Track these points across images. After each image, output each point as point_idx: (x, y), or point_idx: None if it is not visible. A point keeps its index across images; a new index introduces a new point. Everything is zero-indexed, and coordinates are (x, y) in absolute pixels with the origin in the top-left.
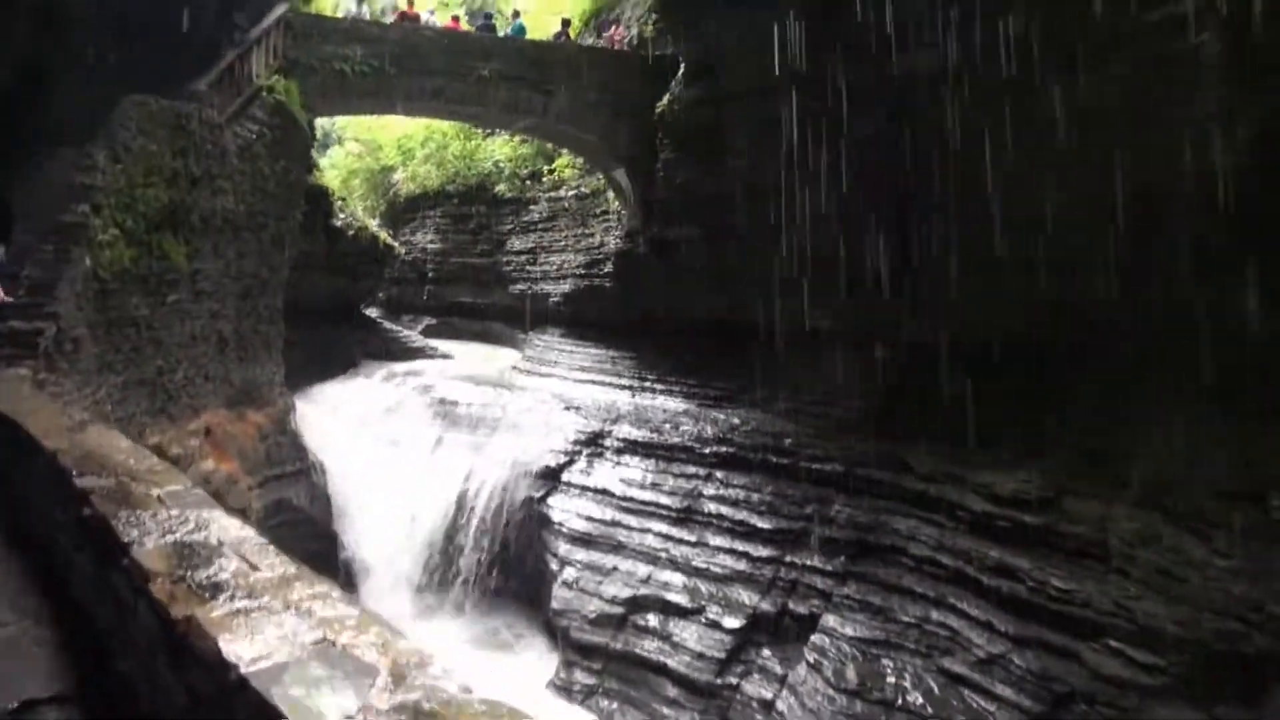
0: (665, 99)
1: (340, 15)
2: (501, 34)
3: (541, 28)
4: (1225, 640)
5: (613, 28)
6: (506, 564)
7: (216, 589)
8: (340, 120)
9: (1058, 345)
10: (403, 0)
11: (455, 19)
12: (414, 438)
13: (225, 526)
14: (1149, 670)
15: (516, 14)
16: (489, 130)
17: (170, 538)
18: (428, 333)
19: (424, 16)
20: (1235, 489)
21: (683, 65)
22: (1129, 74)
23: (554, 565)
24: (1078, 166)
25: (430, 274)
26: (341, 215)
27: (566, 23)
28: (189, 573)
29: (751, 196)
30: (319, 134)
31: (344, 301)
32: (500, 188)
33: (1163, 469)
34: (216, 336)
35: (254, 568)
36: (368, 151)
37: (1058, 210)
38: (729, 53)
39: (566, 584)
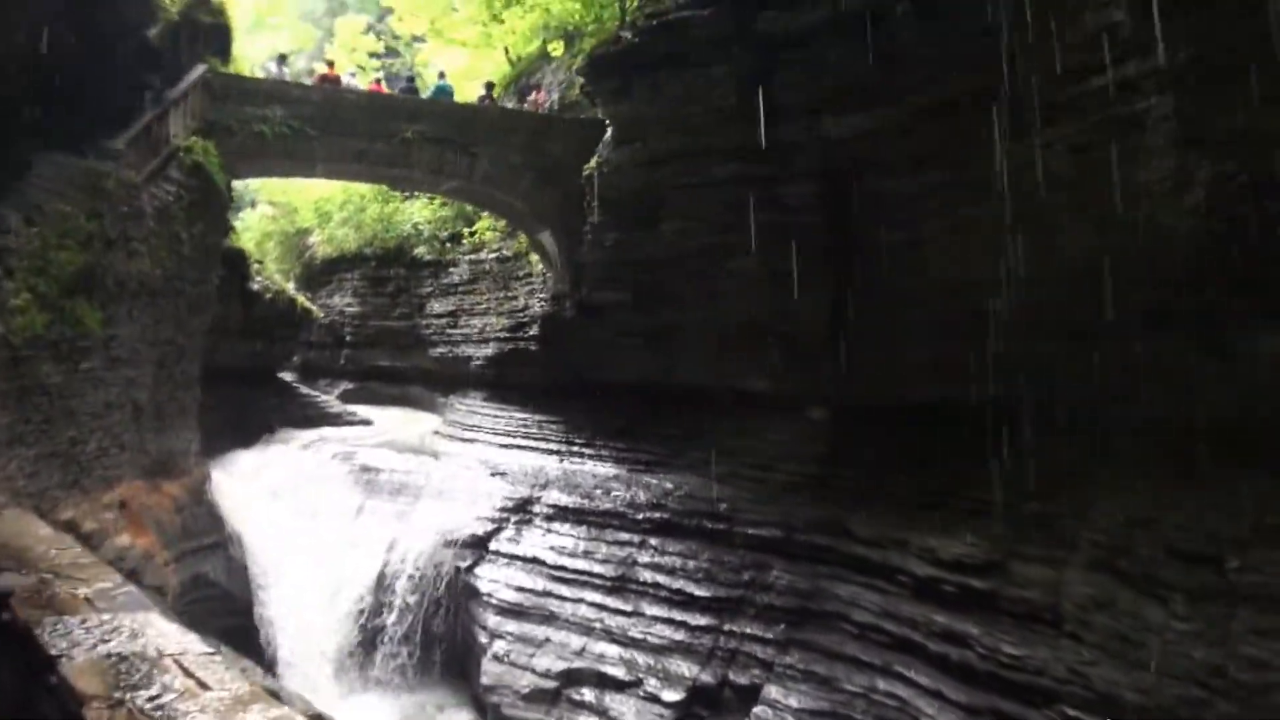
0: (594, 161)
1: (261, 76)
2: (425, 96)
3: (460, 94)
4: (1187, 707)
5: (534, 92)
6: (433, 637)
7: (163, 716)
8: (254, 182)
9: (1001, 407)
10: (322, 65)
11: (378, 82)
12: (334, 507)
13: (163, 632)
14: None
15: (441, 74)
16: (408, 193)
17: (104, 648)
18: (346, 397)
19: (345, 79)
20: (1190, 550)
21: (611, 128)
22: (1076, 137)
23: (483, 638)
24: (1023, 228)
25: (348, 338)
26: (258, 279)
27: (490, 85)
28: (129, 694)
29: (684, 259)
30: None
31: (260, 366)
32: (420, 250)
33: (1114, 531)
34: (131, 405)
35: (203, 685)
36: (282, 214)
37: (999, 274)
38: (660, 115)
39: (496, 657)
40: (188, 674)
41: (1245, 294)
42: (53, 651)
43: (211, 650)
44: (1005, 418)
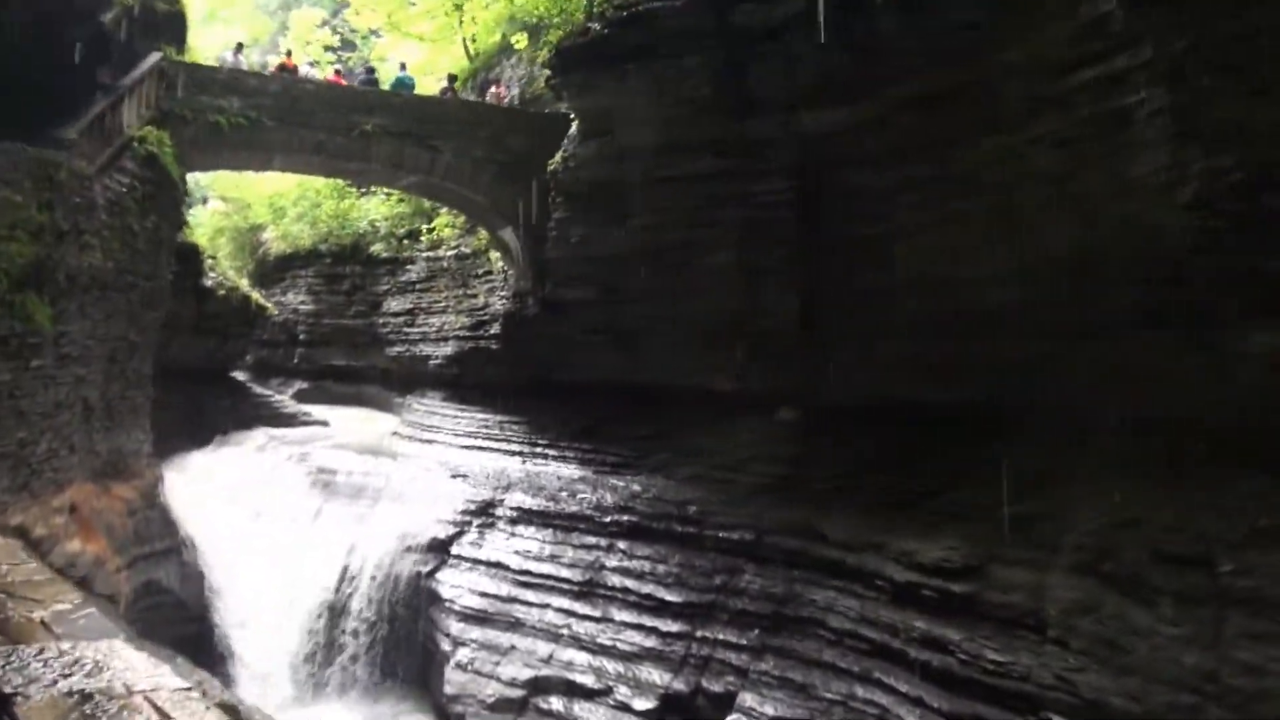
0: (559, 156)
1: (217, 65)
2: (385, 88)
3: (418, 89)
4: (1178, 713)
5: (494, 86)
6: (394, 644)
7: None
8: (205, 177)
9: (980, 407)
10: (276, 59)
11: (337, 74)
12: (291, 509)
13: (132, 664)
14: None
15: (403, 66)
16: (364, 188)
17: (65, 684)
18: (300, 397)
19: (303, 69)
20: (1179, 553)
21: (577, 122)
22: (1063, 131)
23: (445, 645)
24: (1003, 226)
25: (302, 336)
26: (212, 274)
27: (453, 78)
28: None
29: (652, 255)
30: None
31: (214, 365)
32: (376, 247)
33: (1098, 534)
34: (82, 404)
35: None
36: (235, 210)
37: (981, 270)
38: (629, 109)
39: (460, 666)
40: (162, 715)
41: (1237, 291)
42: (6, 689)
43: (187, 686)
44: (984, 417)
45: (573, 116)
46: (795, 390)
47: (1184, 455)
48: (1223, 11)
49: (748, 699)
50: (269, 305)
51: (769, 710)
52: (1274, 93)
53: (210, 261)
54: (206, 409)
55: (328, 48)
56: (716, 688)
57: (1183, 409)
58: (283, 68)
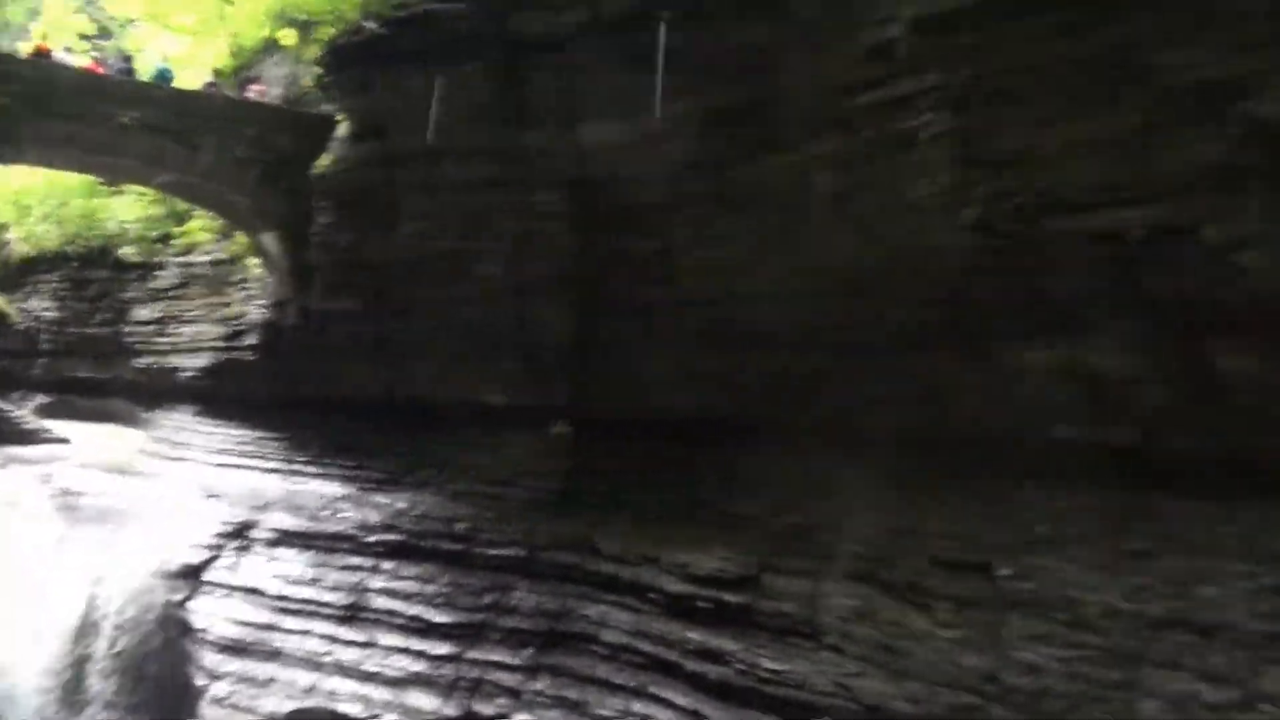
0: (326, 159)
1: None
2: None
3: (179, 83)
4: (960, 714)
5: (254, 84)
6: (146, 682)
7: None
8: None
9: (755, 421)
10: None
11: (95, 62)
12: (31, 537)
13: None
14: None
15: (164, 58)
16: (115, 186)
17: None
18: (42, 412)
19: (58, 55)
20: (957, 559)
21: (346, 123)
22: (843, 153)
23: (200, 680)
24: (782, 243)
25: (45, 346)
26: None
27: (218, 73)
28: None
29: (422, 264)
30: None
31: None
32: (126, 250)
33: (875, 542)
34: None
35: None
36: None
37: (759, 287)
38: (403, 113)
39: (216, 700)
40: None
41: (1016, 310)
42: None
43: None
44: (759, 430)
45: (342, 117)
46: (568, 404)
47: (961, 467)
48: (1007, 43)
49: None
50: (11, 311)
51: None
52: (1056, 122)
53: None
54: None
55: (83, 35)
56: (488, 710)
57: (960, 423)
58: (38, 53)
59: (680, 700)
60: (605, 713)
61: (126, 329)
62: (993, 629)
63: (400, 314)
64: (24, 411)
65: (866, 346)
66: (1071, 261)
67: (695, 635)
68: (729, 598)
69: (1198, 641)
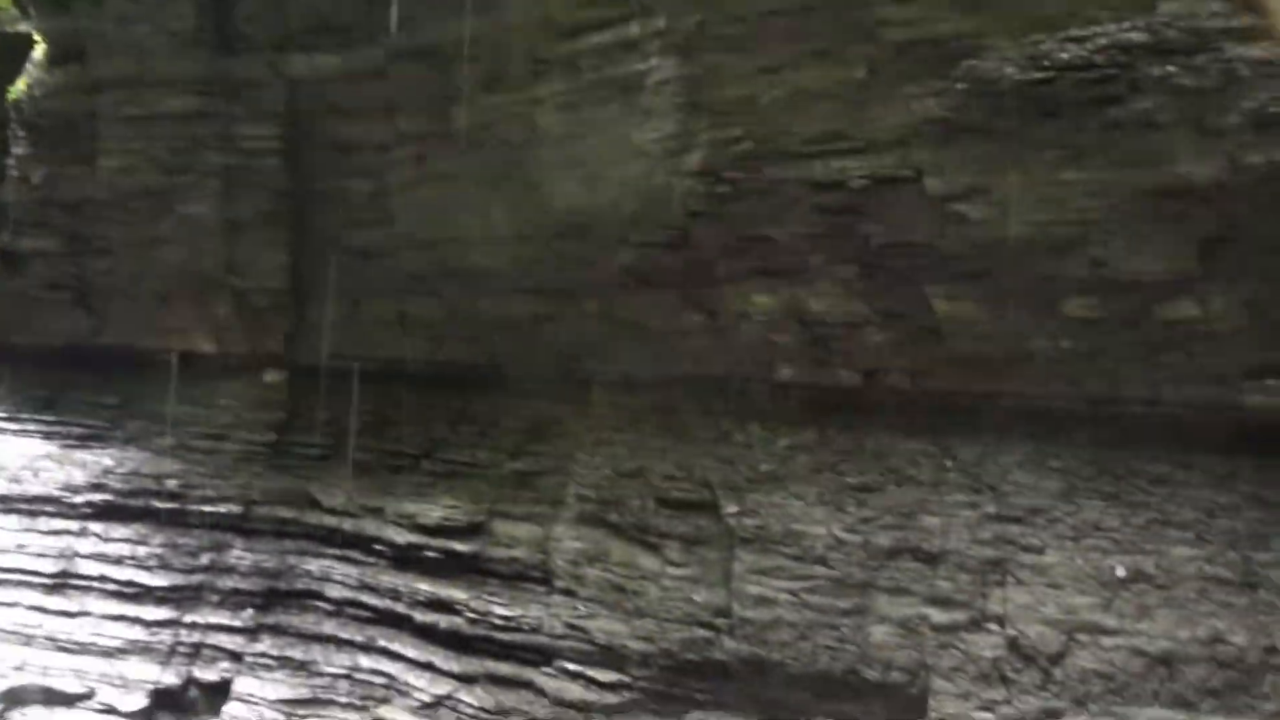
0: (22, 83)
1: None
2: None
3: None
4: (694, 648)
5: None
6: None
7: None
8: None
9: (476, 366)
10: None
11: None
12: None
13: None
14: (613, 688)
15: None
16: None
17: None
18: None
19: None
20: (683, 499)
21: (45, 45)
22: (567, 95)
23: None
24: (502, 186)
25: None
26: None
27: None
28: None
29: (125, 201)
30: None
31: None
32: None
33: (602, 485)
34: None
35: None
36: None
37: (477, 230)
38: (104, 35)
39: None
40: None
41: (738, 255)
42: None
43: None
44: (481, 375)
45: (39, 38)
46: (282, 351)
47: (687, 409)
48: None
49: (245, 684)
50: None
51: (269, 694)
52: (782, 71)
53: None
54: None
55: None
56: (210, 676)
57: (686, 366)
58: None
59: (410, 652)
60: (332, 669)
61: None
62: (722, 565)
63: (101, 255)
64: None
65: (591, 288)
66: (794, 208)
67: (424, 586)
68: (458, 546)
69: (923, 568)
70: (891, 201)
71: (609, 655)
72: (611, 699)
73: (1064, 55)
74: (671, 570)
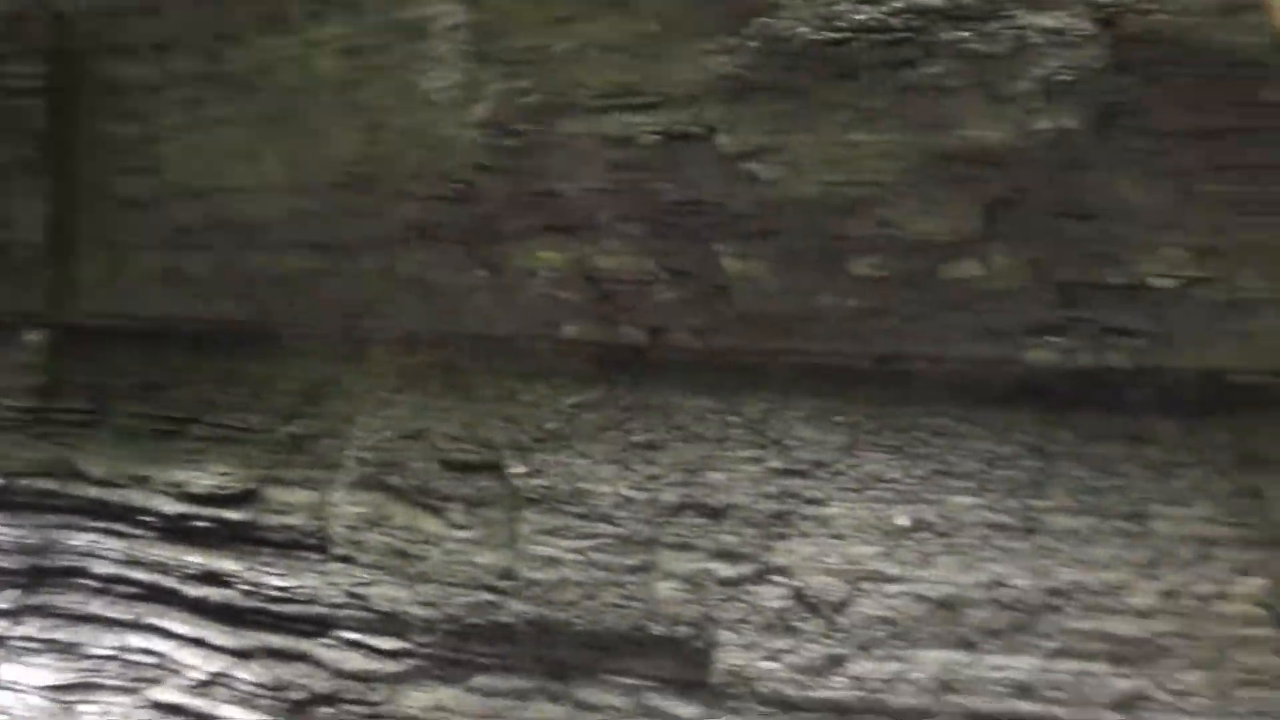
0: None
1: None
2: None
3: None
4: (478, 611)
5: None
6: None
7: None
8: None
9: (246, 325)
10: None
11: None
12: None
13: None
14: (395, 656)
15: None
16: None
17: None
18: None
19: None
20: (467, 460)
21: None
22: (349, 39)
23: None
24: (278, 133)
25: None
26: None
27: None
28: None
29: None
30: None
31: None
32: None
33: (382, 448)
34: None
35: None
36: None
37: (249, 179)
38: None
39: None
40: None
41: (526, 210)
42: None
43: None
44: (251, 334)
45: None
46: (42, 309)
47: (470, 368)
48: None
49: (9, 671)
50: None
51: (34, 680)
52: (574, 22)
53: None
54: None
55: None
56: None
57: (469, 322)
58: None
59: (181, 629)
60: (99, 651)
61: None
62: (507, 527)
63: None
64: None
65: (371, 243)
66: (583, 163)
67: (195, 558)
68: (229, 515)
69: (709, 523)
70: (683, 158)
71: (391, 623)
72: (394, 667)
73: (859, 17)
74: (455, 533)
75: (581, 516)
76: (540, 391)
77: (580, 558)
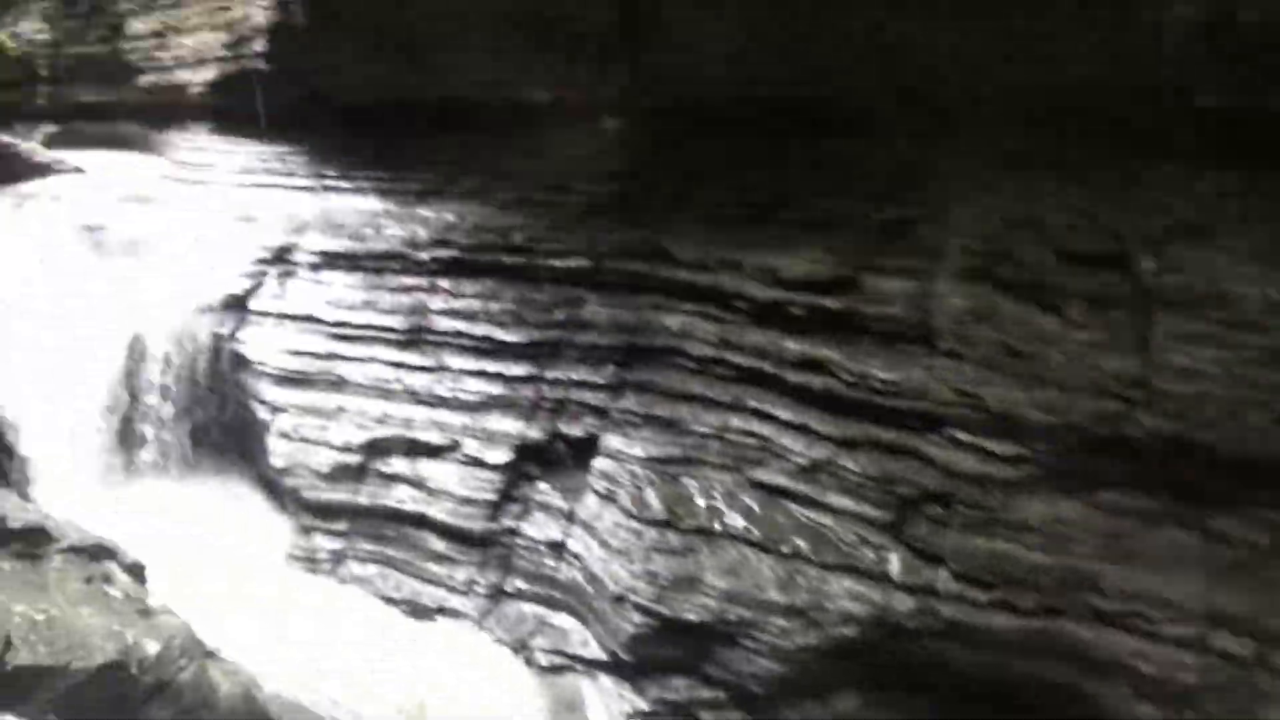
0: None
1: None
2: None
3: None
4: (1104, 423)
5: None
6: (202, 416)
7: None
8: None
9: (829, 101)
10: None
11: None
12: (60, 272)
13: None
14: (1012, 462)
15: None
16: None
17: None
18: (51, 143)
19: None
20: (1088, 251)
21: None
22: None
23: (263, 414)
24: None
25: (43, 72)
26: None
27: None
28: None
29: None
30: None
31: None
32: None
33: (989, 236)
34: None
35: None
36: None
37: None
38: None
39: (284, 434)
40: None
41: None
42: None
43: None
44: (842, 113)
45: None
46: (617, 96)
47: (1083, 145)
48: None
49: (612, 441)
50: (3, 38)
51: (638, 451)
52: None
53: None
54: None
55: None
56: (576, 431)
57: (1081, 90)
58: None
59: (783, 414)
60: (702, 429)
61: (125, 45)
62: (1136, 329)
63: (420, 2)
64: (32, 143)
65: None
66: None
67: (792, 344)
68: (826, 302)
69: None
70: None
71: (1005, 425)
72: (1010, 473)
73: None
74: (1076, 334)
75: (1224, 323)
76: (1168, 173)
77: (1222, 371)
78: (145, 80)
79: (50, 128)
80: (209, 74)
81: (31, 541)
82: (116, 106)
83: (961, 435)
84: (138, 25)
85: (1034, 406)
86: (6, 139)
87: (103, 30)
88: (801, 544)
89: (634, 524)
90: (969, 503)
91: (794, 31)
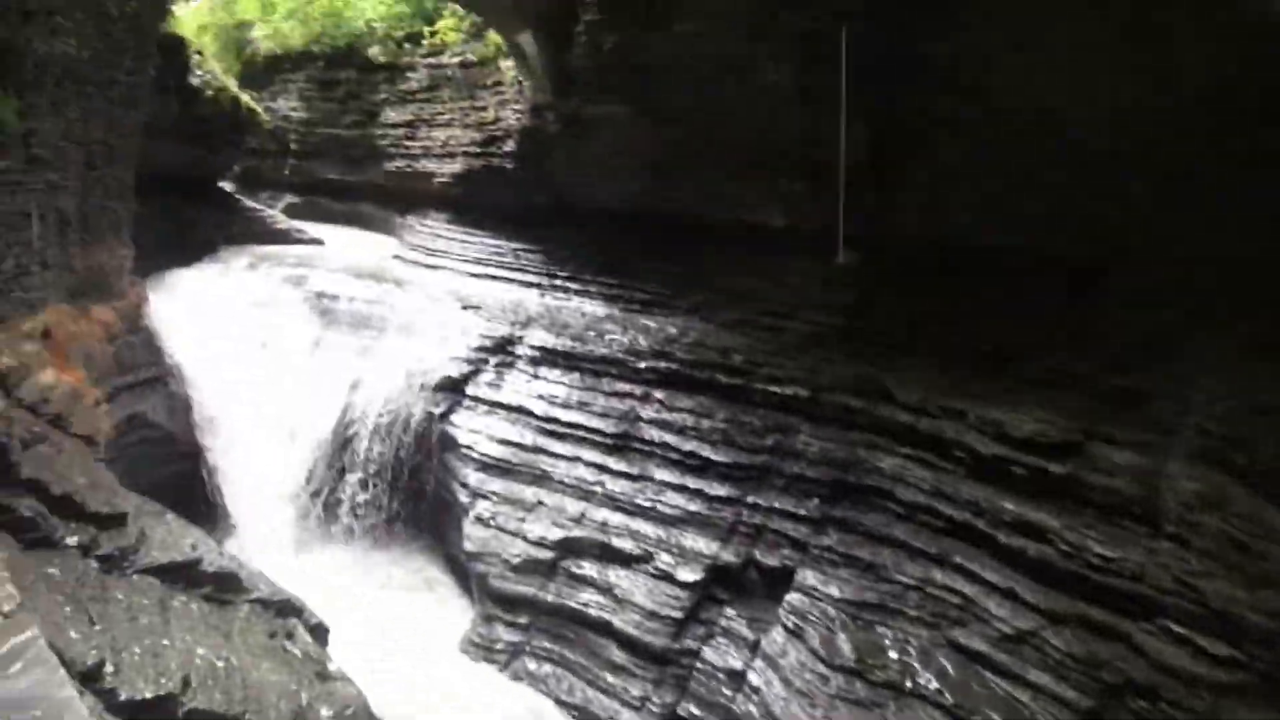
0: None
1: None
2: None
3: None
4: None
5: None
6: (403, 491)
7: None
8: None
9: (1074, 261)
10: None
11: None
12: (288, 338)
13: None
14: (1225, 665)
15: None
16: None
17: None
18: (290, 212)
19: None
20: None
21: None
22: None
23: (463, 497)
24: (1134, 44)
25: (293, 146)
26: (198, 73)
27: None
28: None
29: (698, 67)
30: None
31: (200, 175)
32: (373, 51)
33: (1226, 419)
34: (56, 215)
35: None
36: (220, 3)
37: (1090, 98)
38: None
39: (481, 520)
40: None
41: None
42: None
43: None
44: (1086, 274)
45: None
46: (856, 230)
47: None
48: None
49: (808, 576)
50: (260, 110)
51: (834, 591)
52: None
53: (197, 58)
54: (191, 224)
55: None
56: (771, 561)
57: None
58: None
59: (991, 575)
60: (902, 578)
61: (376, 131)
62: None
63: (670, 123)
64: (274, 212)
65: (1209, 170)
66: None
67: (1009, 505)
68: (1051, 466)
69: None
70: None
71: (1223, 624)
72: (1222, 676)
73: None
74: None
75: None
76: None
77: None
78: (392, 165)
79: (293, 198)
80: (455, 167)
81: (223, 587)
82: (358, 186)
83: (1176, 627)
84: (391, 114)
85: (1255, 609)
86: (252, 204)
87: (358, 115)
88: (995, 717)
89: (821, 667)
90: (1175, 701)
91: (1041, 191)
